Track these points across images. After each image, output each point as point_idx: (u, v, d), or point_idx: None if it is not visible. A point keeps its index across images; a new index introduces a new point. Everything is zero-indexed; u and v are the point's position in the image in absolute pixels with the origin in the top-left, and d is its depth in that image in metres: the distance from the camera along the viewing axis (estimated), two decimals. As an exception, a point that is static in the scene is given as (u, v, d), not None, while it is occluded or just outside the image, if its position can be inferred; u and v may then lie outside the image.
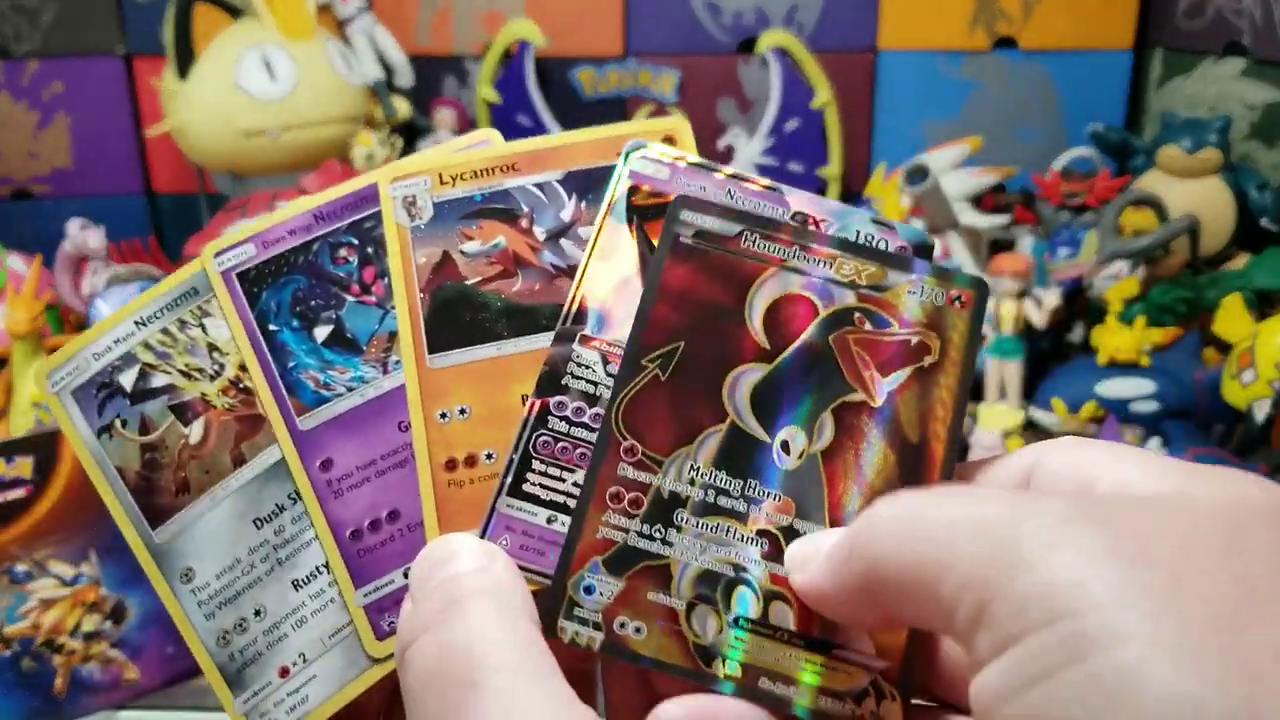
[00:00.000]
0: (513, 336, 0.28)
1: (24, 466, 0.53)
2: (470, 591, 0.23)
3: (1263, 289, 0.83)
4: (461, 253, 0.29)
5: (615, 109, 1.12)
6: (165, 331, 0.29)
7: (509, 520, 0.26)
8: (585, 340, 0.27)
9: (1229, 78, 0.98)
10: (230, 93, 0.96)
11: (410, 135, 1.09)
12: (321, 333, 0.29)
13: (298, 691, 0.28)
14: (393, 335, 0.29)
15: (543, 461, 0.26)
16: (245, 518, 0.28)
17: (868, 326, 0.26)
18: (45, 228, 1.10)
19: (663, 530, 0.25)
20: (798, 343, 0.26)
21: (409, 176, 0.29)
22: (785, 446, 0.26)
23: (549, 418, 0.27)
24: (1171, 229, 0.87)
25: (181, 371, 0.29)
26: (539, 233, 0.29)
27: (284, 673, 0.28)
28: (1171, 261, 0.92)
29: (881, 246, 0.28)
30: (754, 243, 0.27)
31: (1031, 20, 1.08)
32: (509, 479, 0.26)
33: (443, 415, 0.28)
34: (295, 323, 0.29)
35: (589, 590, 0.25)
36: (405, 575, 0.27)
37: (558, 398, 0.27)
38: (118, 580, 0.57)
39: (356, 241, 0.29)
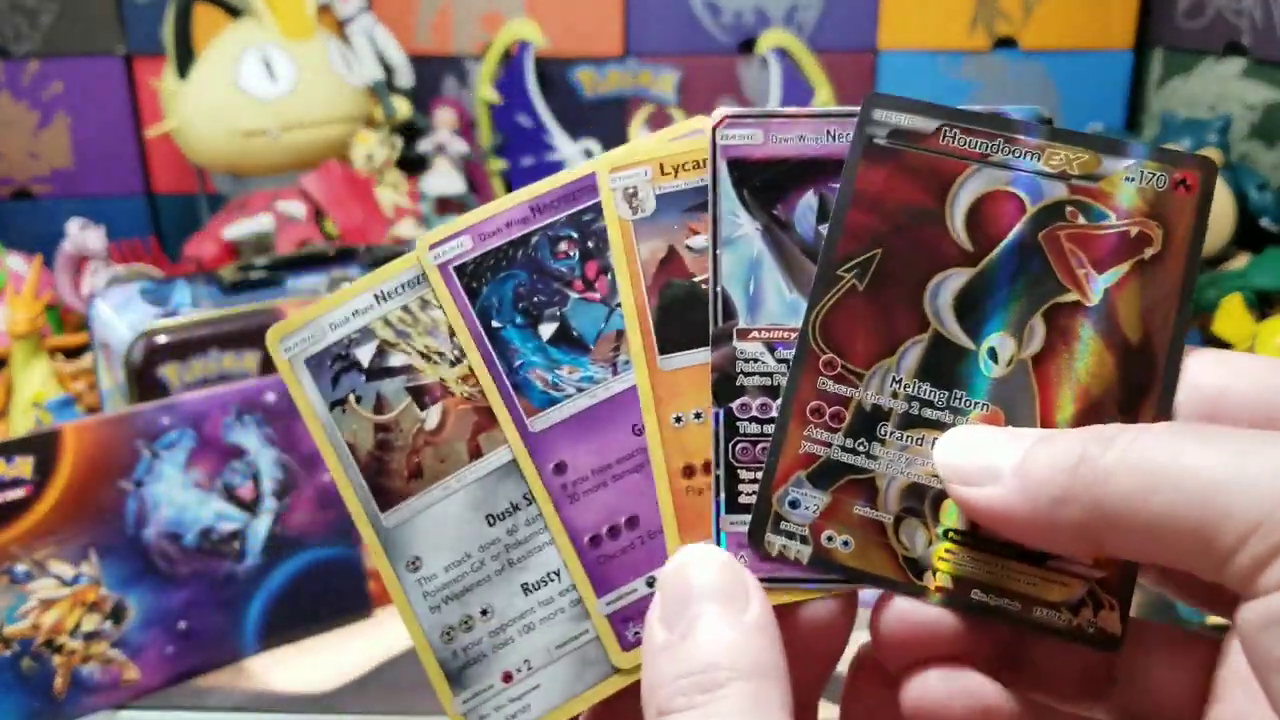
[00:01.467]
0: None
1: (24, 466, 0.53)
2: (729, 675, 0.21)
3: (1263, 289, 0.83)
4: (688, 248, 0.27)
5: (615, 109, 1.12)
6: (406, 309, 0.28)
7: (739, 538, 0.26)
8: (742, 334, 0.26)
9: (1229, 78, 0.98)
10: (230, 93, 0.96)
11: (410, 135, 1.09)
12: (547, 330, 0.28)
13: (520, 699, 0.27)
14: (620, 334, 0.27)
15: (748, 469, 0.26)
16: (478, 512, 0.27)
17: (1081, 220, 0.24)
18: (45, 228, 1.10)
19: (866, 444, 0.25)
20: (1004, 243, 0.25)
21: (628, 167, 0.28)
22: (993, 354, 0.25)
23: (737, 423, 0.26)
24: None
25: (421, 353, 0.28)
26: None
27: (507, 677, 0.27)
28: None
29: None
30: (954, 138, 0.25)
31: (1031, 20, 1.08)
32: (722, 496, 0.26)
33: (677, 419, 0.27)
34: (519, 319, 0.28)
35: (794, 504, 0.25)
36: (649, 584, 0.26)
37: (739, 401, 0.26)
38: (118, 580, 0.57)
39: (577, 235, 0.28)
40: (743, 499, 0.26)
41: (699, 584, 0.23)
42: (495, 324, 0.28)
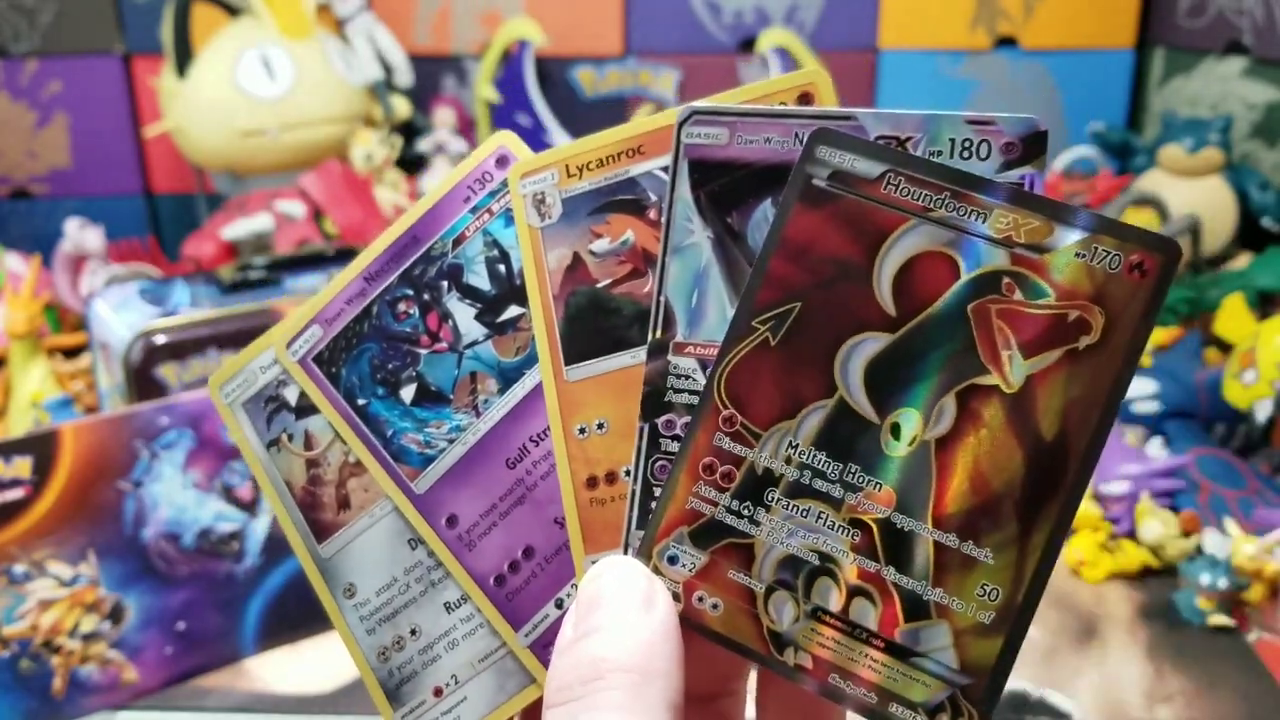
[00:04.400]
0: (646, 343, 0.27)
1: (23, 466, 0.53)
2: (612, 667, 0.22)
3: (1264, 289, 0.83)
4: (591, 253, 0.27)
5: (615, 109, 1.12)
6: None
7: None
8: (679, 348, 0.25)
9: (1230, 77, 0.98)
10: (229, 92, 0.96)
11: (409, 135, 1.09)
12: (408, 393, 0.29)
13: (450, 711, 0.28)
14: (474, 376, 0.28)
15: (662, 487, 0.25)
16: (401, 538, 0.29)
17: (1017, 295, 0.22)
18: (44, 227, 1.10)
19: (752, 508, 0.24)
20: (929, 310, 0.23)
21: (536, 171, 0.28)
22: (896, 430, 0.23)
23: (660, 440, 0.25)
24: (1173, 228, 0.87)
25: None
26: None
27: (437, 692, 0.28)
28: (1172, 261, 0.91)
29: (983, 152, 0.24)
30: (898, 187, 0.23)
31: (1032, 19, 1.07)
32: (635, 512, 0.25)
33: (581, 430, 0.27)
34: (380, 390, 0.29)
35: (672, 560, 0.24)
36: (558, 606, 0.27)
37: (665, 417, 0.25)
38: (116, 581, 0.56)
39: (412, 291, 0.29)
40: (652, 517, 0.25)
41: (609, 590, 0.24)
42: (361, 401, 0.29)
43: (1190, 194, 0.91)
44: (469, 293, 0.28)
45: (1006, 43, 1.09)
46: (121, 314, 0.70)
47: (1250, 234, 0.93)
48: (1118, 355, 0.22)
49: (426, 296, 0.29)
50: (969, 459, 0.23)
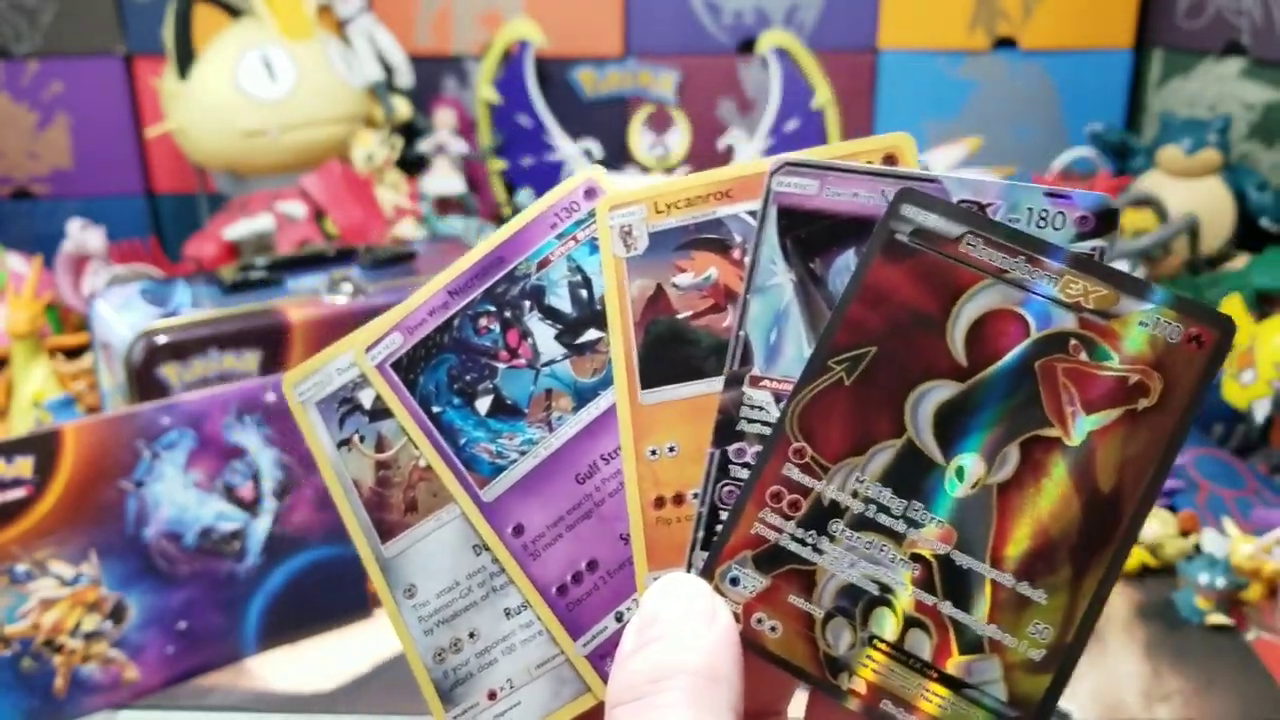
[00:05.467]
0: (721, 374, 0.28)
1: (24, 466, 0.53)
2: (678, 669, 0.23)
3: (1262, 289, 0.83)
4: (674, 285, 0.29)
5: (615, 109, 1.12)
6: None
7: None
8: (755, 381, 0.27)
9: (1229, 78, 0.98)
10: (230, 93, 0.96)
11: (410, 136, 1.09)
12: (483, 405, 0.30)
13: (504, 715, 0.29)
14: (549, 393, 0.29)
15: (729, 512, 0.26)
16: (466, 543, 0.29)
17: (1083, 356, 0.24)
18: (45, 228, 1.10)
19: (816, 537, 0.25)
20: (998, 364, 0.24)
21: (625, 205, 0.29)
22: (960, 473, 0.24)
23: (730, 466, 0.26)
24: (1171, 229, 0.87)
25: None
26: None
27: (492, 695, 0.29)
28: (1171, 261, 0.92)
29: (1058, 223, 0.25)
30: (975, 248, 0.25)
31: (1031, 20, 1.08)
32: (700, 533, 0.26)
33: (652, 452, 0.28)
34: (456, 400, 0.30)
35: (734, 581, 0.25)
36: (618, 619, 0.28)
37: (735, 445, 0.27)
38: (118, 580, 0.57)
39: (494, 308, 0.30)
40: (717, 540, 0.26)
41: (672, 603, 0.25)
42: (436, 409, 0.30)
43: (1188, 194, 0.91)
44: (550, 314, 0.30)
45: (1005, 43, 1.09)
46: (123, 314, 0.70)
47: (1248, 234, 0.93)
48: (1173, 418, 0.24)
49: (508, 314, 0.30)
50: (1029, 505, 0.24)
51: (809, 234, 0.27)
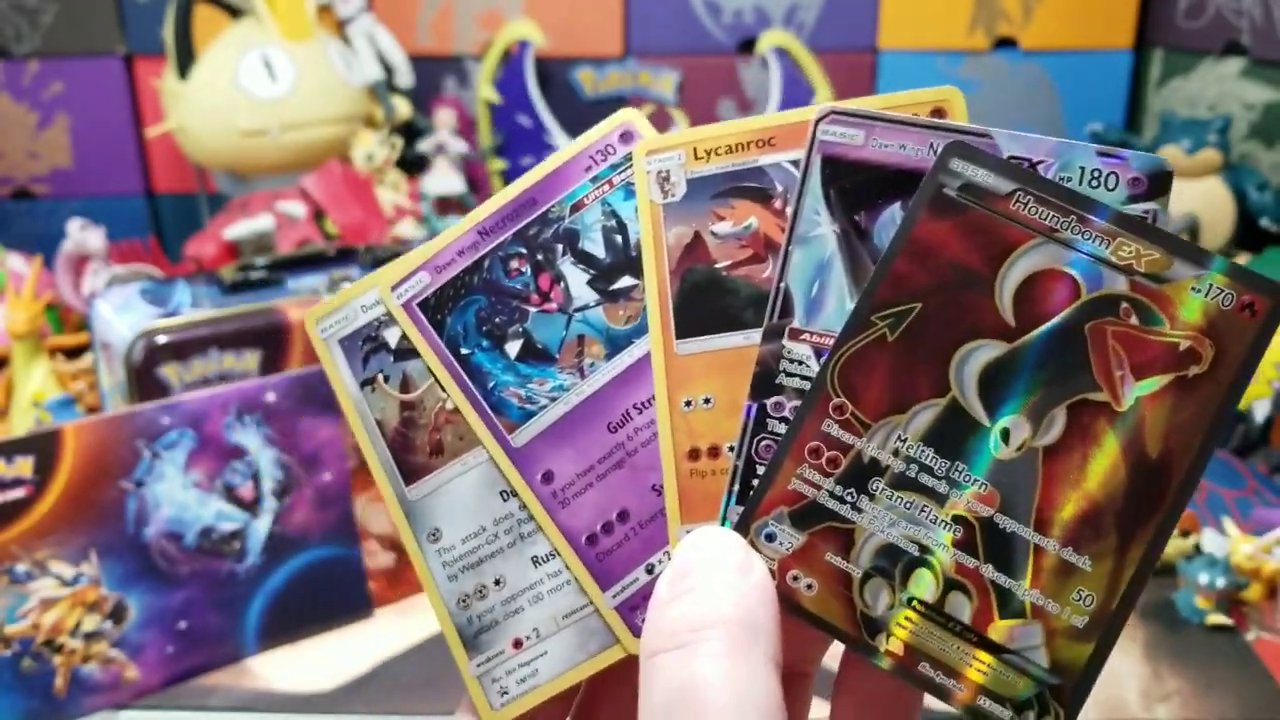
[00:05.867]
0: (760, 326, 0.27)
1: (24, 466, 0.53)
2: (718, 619, 0.23)
3: (1263, 289, 0.83)
4: (713, 233, 0.28)
5: (615, 109, 1.12)
6: None
7: None
8: (795, 334, 0.26)
9: (1229, 77, 0.98)
10: (231, 93, 0.96)
11: (410, 136, 1.09)
12: (513, 348, 0.29)
13: (529, 664, 0.28)
14: (582, 339, 0.29)
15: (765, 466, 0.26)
16: (493, 488, 0.29)
17: (1134, 320, 0.24)
18: (45, 228, 1.10)
19: (855, 495, 0.25)
20: (1047, 325, 0.24)
21: (664, 150, 0.28)
22: (1005, 435, 0.24)
23: (767, 420, 0.26)
24: (1171, 229, 0.87)
25: None
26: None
27: (517, 644, 0.28)
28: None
29: (1111, 183, 0.25)
30: (1026, 205, 0.24)
31: (1031, 20, 1.08)
32: (736, 487, 0.26)
33: (687, 403, 0.27)
34: (485, 342, 0.29)
35: (770, 538, 0.25)
36: (648, 571, 0.27)
37: (774, 399, 0.26)
38: (118, 580, 0.57)
39: (525, 250, 0.29)
40: (753, 494, 0.26)
41: (707, 554, 0.24)
42: (464, 351, 0.29)
43: (1189, 194, 0.91)
44: (583, 258, 0.29)
45: (1005, 43, 1.09)
46: (123, 314, 0.70)
47: (1248, 234, 0.93)
48: (1223, 386, 0.23)
49: (540, 257, 0.29)
50: (1075, 469, 0.24)
51: (854, 185, 0.26)
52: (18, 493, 0.53)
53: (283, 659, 0.61)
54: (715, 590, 0.23)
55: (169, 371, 0.67)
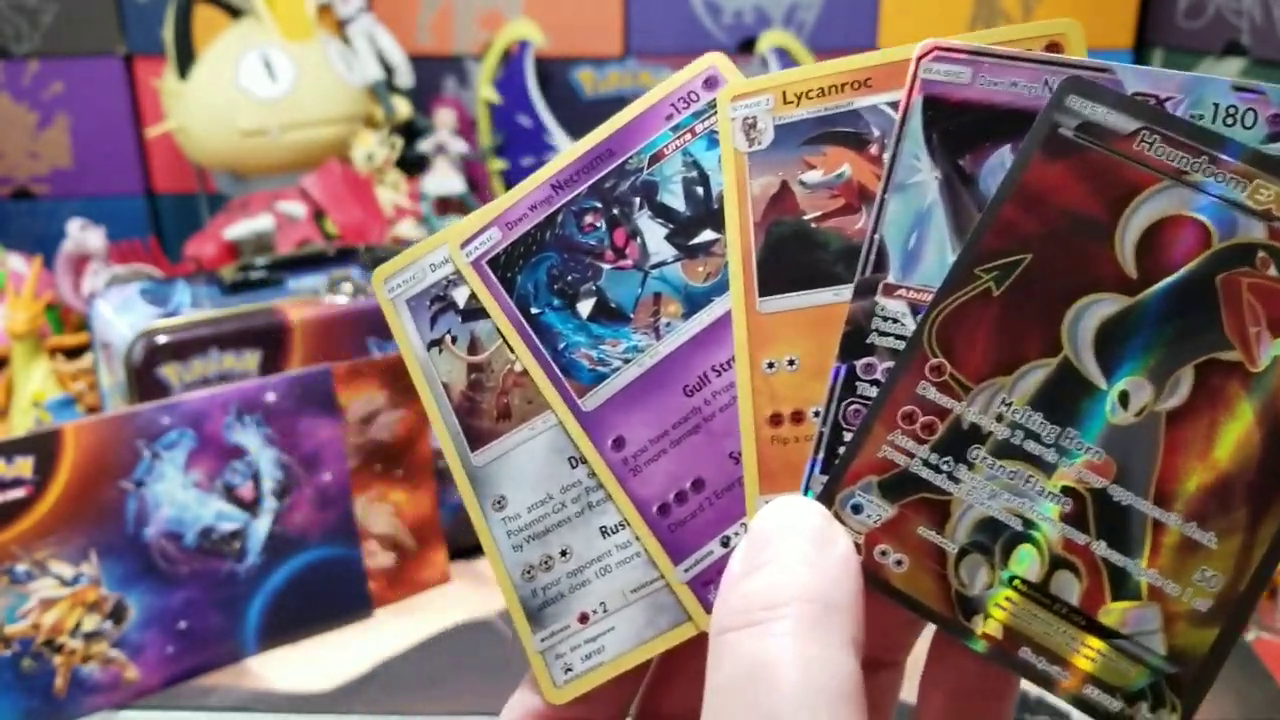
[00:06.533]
0: (851, 281, 0.25)
1: (24, 466, 0.53)
2: (793, 596, 0.21)
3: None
4: (801, 183, 0.26)
5: (615, 109, 1.12)
6: None
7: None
8: (889, 290, 0.24)
9: (1229, 77, 0.98)
10: (230, 93, 0.96)
11: (410, 135, 1.09)
12: (585, 307, 0.27)
13: (595, 640, 0.27)
14: (658, 297, 0.27)
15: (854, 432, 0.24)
16: (562, 455, 0.27)
17: (1272, 271, 0.21)
18: (45, 228, 1.10)
19: (952, 464, 0.23)
20: (1174, 276, 0.21)
21: (750, 95, 0.26)
22: (1124, 398, 0.22)
23: (857, 383, 0.24)
24: None
25: None
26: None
27: (583, 619, 0.27)
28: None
29: (1248, 121, 0.22)
30: (1151, 145, 0.22)
31: (1031, 20, 1.07)
32: (820, 455, 0.24)
33: (770, 365, 0.25)
34: (556, 301, 0.27)
35: (856, 509, 0.23)
36: (723, 544, 0.26)
37: (864, 360, 0.24)
38: (118, 580, 0.57)
39: (600, 205, 0.28)
40: (839, 462, 0.24)
41: (786, 525, 0.23)
42: (534, 310, 0.28)
43: (1189, 194, 0.91)
44: (662, 212, 0.27)
45: (1006, 43, 1.09)
46: (123, 314, 0.70)
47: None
48: None
49: (616, 211, 0.28)
50: (1203, 436, 0.21)
51: (959, 127, 0.24)
52: (18, 493, 0.53)
53: (283, 659, 0.61)
54: (792, 564, 0.22)
55: (169, 371, 0.67)
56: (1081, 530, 0.22)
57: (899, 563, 0.23)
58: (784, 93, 0.26)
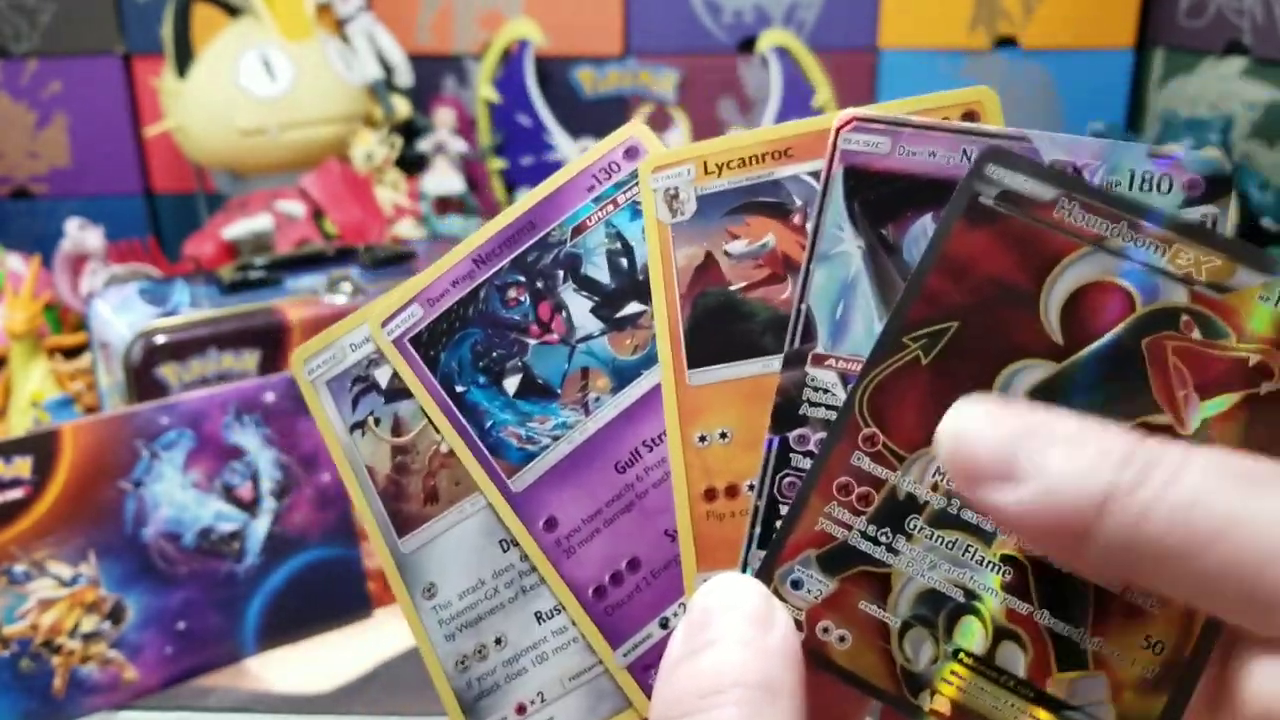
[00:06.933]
0: (780, 351, 0.25)
1: (23, 466, 0.53)
2: (731, 682, 0.20)
3: (1264, 288, 0.83)
4: (726, 253, 0.26)
5: (615, 108, 1.12)
6: None
7: None
8: (818, 360, 0.24)
9: (1230, 77, 0.98)
10: (230, 92, 0.96)
11: (410, 135, 1.09)
12: (511, 384, 0.27)
13: None
14: (586, 371, 0.27)
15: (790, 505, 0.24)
16: (492, 538, 0.27)
17: (1196, 334, 0.21)
18: (44, 227, 1.10)
19: (890, 535, 0.22)
20: (1100, 342, 0.22)
21: (671, 166, 0.26)
22: None
23: (791, 455, 0.24)
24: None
25: None
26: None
27: (521, 709, 0.26)
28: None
29: (1164, 187, 0.22)
30: (1070, 212, 0.22)
31: (1032, 19, 1.07)
32: (757, 530, 0.24)
33: (702, 438, 0.25)
34: (482, 379, 0.27)
35: (796, 584, 0.23)
36: (662, 626, 0.25)
37: (798, 431, 0.24)
38: (116, 580, 0.56)
39: (524, 278, 0.27)
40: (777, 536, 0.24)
41: (724, 605, 0.22)
42: (459, 389, 0.27)
43: (1190, 194, 0.91)
44: (587, 285, 0.27)
45: (1006, 43, 1.09)
46: (122, 314, 0.70)
47: (1250, 234, 0.93)
48: None
49: (540, 285, 0.27)
50: None
51: (880, 196, 0.24)
52: (16, 493, 0.53)
53: (282, 659, 0.61)
54: (730, 649, 0.21)
55: (167, 371, 0.67)
56: (1024, 599, 0.22)
57: (842, 639, 0.23)
58: (705, 163, 0.26)
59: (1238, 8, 0.96)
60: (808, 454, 0.24)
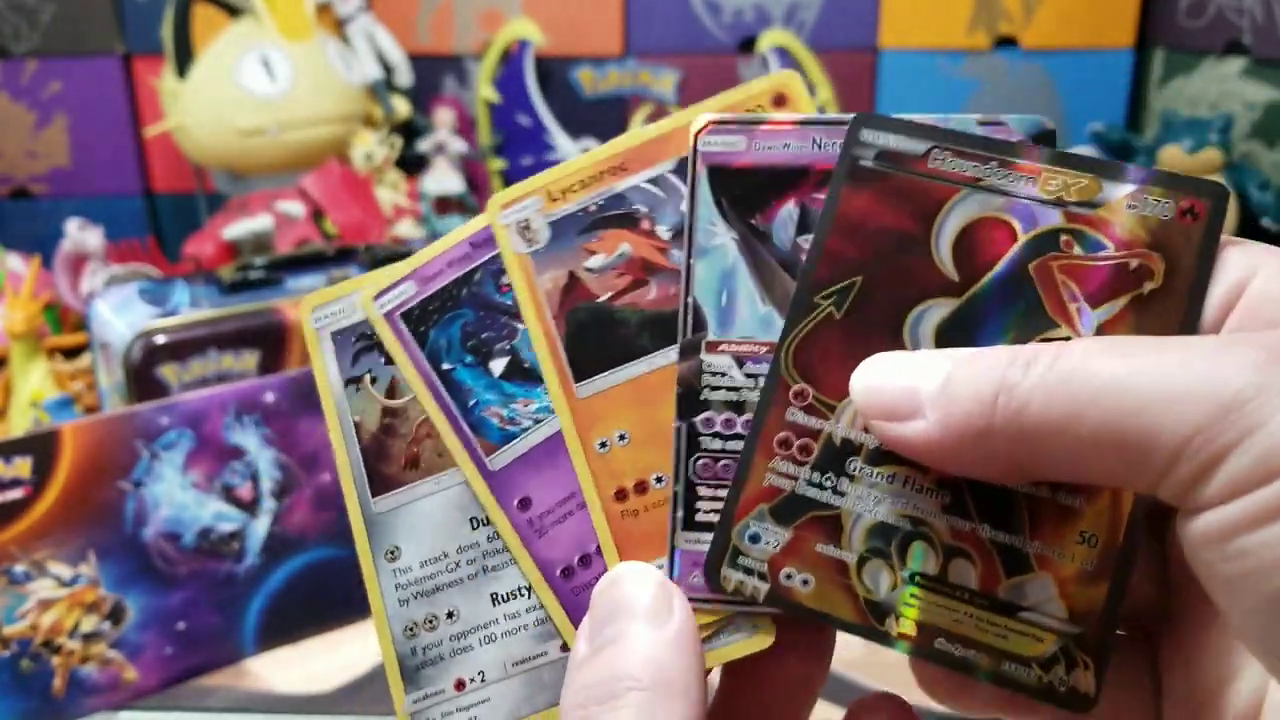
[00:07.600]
0: (658, 348, 0.26)
1: (23, 466, 0.53)
2: (629, 685, 0.21)
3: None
4: (587, 270, 0.27)
5: (615, 108, 1.12)
6: None
7: (694, 556, 0.25)
8: (711, 346, 0.25)
9: (1230, 77, 0.98)
10: (229, 92, 0.96)
11: (409, 135, 1.09)
12: (498, 366, 0.28)
13: (468, 710, 0.27)
14: None
15: (709, 485, 0.25)
16: (464, 514, 0.27)
17: (1076, 250, 0.23)
18: (44, 227, 1.10)
19: (834, 479, 0.24)
20: (992, 273, 0.23)
21: (517, 200, 0.28)
22: None
23: (700, 438, 0.25)
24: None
25: None
26: (663, 232, 0.27)
27: (460, 685, 0.27)
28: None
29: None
30: (944, 161, 0.24)
31: (1032, 19, 1.07)
32: (680, 513, 0.25)
33: (602, 444, 0.26)
34: (469, 358, 0.28)
35: (754, 539, 0.24)
36: None
37: (703, 415, 0.25)
38: (116, 580, 0.56)
39: None
40: (700, 516, 0.25)
41: (624, 600, 0.23)
42: (446, 366, 0.28)
43: (1190, 194, 0.91)
44: None
45: (1006, 43, 1.09)
46: (121, 314, 0.70)
47: (1250, 234, 0.93)
48: (1182, 296, 0.23)
49: None
50: None
51: (744, 190, 0.26)
52: (16, 493, 0.53)
53: (282, 659, 0.61)
54: (626, 649, 0.22)
55: (167, 371, 0.67)
56: (965, 518, 0.23)
57: (805, 582, 0.24)
58: (548, 192, 0.28)
59: (1238, 8, 0.96)
60: (715, 435, 0.25)
